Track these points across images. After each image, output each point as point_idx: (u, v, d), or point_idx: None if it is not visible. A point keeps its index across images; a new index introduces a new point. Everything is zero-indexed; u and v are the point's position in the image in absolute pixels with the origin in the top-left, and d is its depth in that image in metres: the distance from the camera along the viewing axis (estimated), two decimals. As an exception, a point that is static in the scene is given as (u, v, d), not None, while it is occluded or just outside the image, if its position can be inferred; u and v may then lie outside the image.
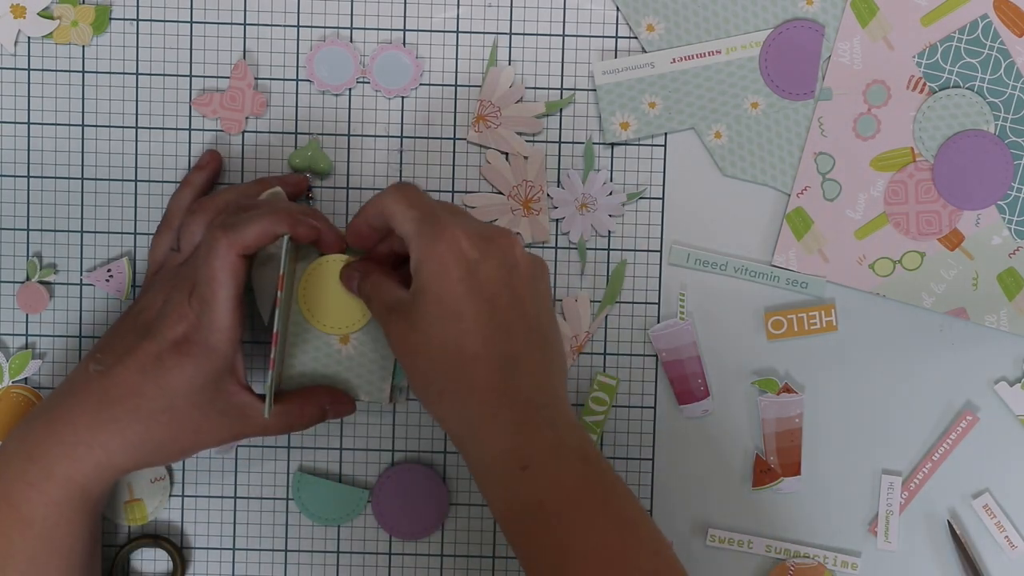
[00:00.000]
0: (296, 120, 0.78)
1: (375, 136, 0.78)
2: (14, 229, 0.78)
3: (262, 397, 0.71)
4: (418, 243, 0.67)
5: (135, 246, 0.78)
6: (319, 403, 0.73)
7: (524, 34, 0.77)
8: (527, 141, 0.78)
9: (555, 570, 0.64)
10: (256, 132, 0.78)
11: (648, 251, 0.78)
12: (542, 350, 0.68)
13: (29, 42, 0.77)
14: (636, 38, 0.77)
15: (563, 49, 0.77)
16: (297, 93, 0.78)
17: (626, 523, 0.65)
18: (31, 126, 0.78)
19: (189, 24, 0.77)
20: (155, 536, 0.79)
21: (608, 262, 0.78)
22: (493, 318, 0.66)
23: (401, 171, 0.78)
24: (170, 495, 0.79)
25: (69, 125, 0.77)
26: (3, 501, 0.68)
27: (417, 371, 0.68)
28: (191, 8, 0.77)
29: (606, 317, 0.79)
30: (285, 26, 0.77)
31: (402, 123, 0.78)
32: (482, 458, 0.67)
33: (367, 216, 0.70)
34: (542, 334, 0.68)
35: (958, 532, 0.79)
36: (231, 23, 0.77)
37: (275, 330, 0.70)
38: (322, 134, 0.78)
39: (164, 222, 0.76)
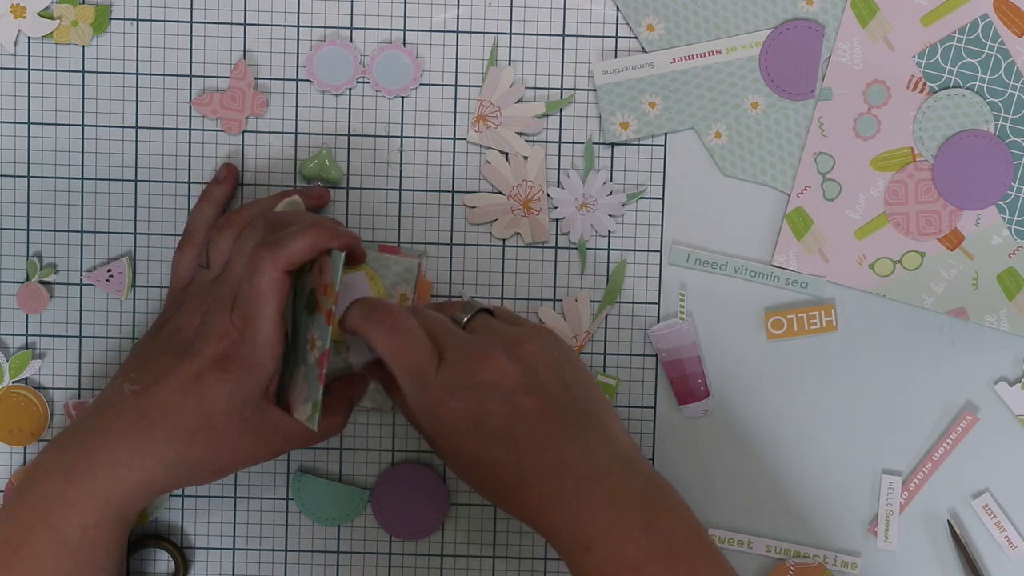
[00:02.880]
0: (296, 120, 0.78)
1: (375, 136, 0.78)
2: (14, 229, 0.78)
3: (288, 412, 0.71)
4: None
5: (135, 246, 0.78)
6: (347, 402, 0.73)
7: (524, 34, 0.77)
8: (527, 141, 0.78)
9: None
10: (256, 132, 0.78)
11: (648, 251, 0.78)
12: (587, 421, 0.68)
13: (29, 42, 0.77)
14: (636, 38, 0.77)
15: (563, 49, 0.77)
16: (297, 93, 0.78)
17: None
18: (31, 126, 0.78)
19: (189, 24, 0.77)
20: (155, 536, 0.79)
21: (608, 262, 0.78)
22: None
23: (401, 171, 0.78)
24: (170, 495, 0.79)
25: (69, 125, 0.77)
26: (41, 522, 0.67)
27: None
28: (191, 8, 0.77)
29: (606, 317, 0.79)
30: (285, 26, 0.77)
31: (402, 123, 0.78)
32: (553, 542, 0.67)
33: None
34: (580, 406, 0.68)
35: (958, 532, 0.79)
36: (231, 23, 0.77)
37: (327, 347, 0.68)
38: (322, 134, 0.78)
39: (186, 237, 0.75)
